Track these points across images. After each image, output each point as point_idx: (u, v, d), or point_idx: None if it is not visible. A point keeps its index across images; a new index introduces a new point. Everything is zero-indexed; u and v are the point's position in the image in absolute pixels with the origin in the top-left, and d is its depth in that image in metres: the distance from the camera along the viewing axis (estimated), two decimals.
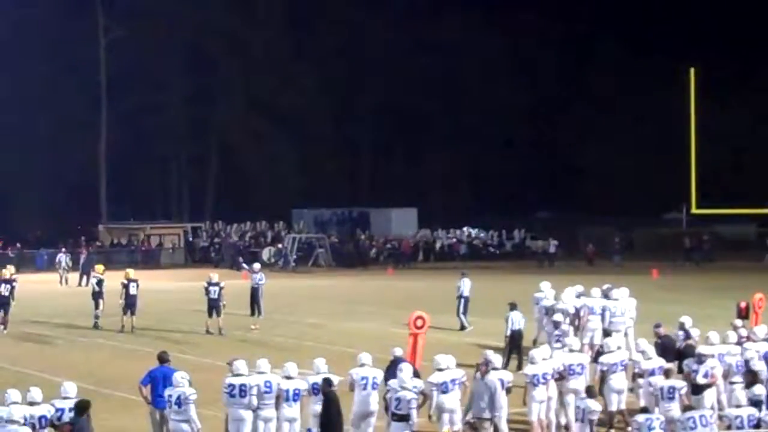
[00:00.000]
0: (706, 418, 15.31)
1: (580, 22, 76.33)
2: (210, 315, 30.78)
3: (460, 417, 17.39)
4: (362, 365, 17.36)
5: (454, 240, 68.08)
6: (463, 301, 31.45)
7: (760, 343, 19.82)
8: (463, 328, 31.12)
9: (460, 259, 62.87)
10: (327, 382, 16.37)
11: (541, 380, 17.85)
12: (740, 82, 72.51)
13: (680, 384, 17.43)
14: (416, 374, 17.25)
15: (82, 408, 14.92)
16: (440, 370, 17.32)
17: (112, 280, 34.37)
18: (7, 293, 31.34)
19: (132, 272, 32.91)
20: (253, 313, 33.99)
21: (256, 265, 36.19)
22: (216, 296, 30.75)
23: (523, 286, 32.35)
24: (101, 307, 32.37)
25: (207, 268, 42.10)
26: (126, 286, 31.54)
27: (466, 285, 31.50)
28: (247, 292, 34.61)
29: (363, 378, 17.13)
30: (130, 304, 31.39)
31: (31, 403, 14.78)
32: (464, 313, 31.40)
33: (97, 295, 32.58)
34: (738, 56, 71.48)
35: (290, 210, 71.09)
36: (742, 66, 71.66)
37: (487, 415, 16.79)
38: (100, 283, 32.79)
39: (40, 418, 14.65)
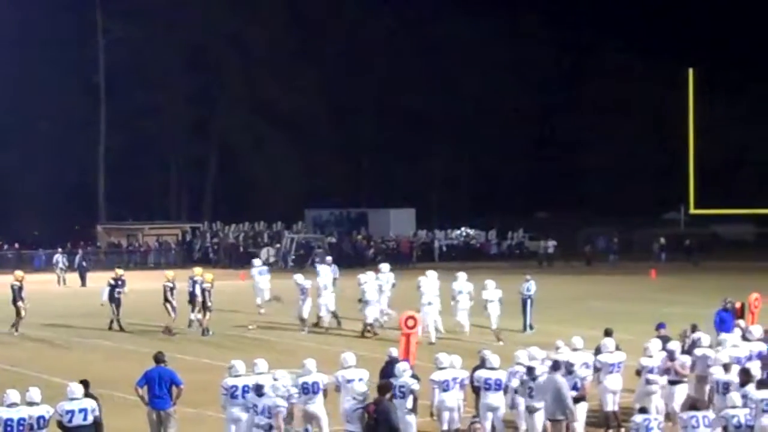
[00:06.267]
0: (709, 418, 15.33)
1: (580, 23, 76.40)
2: (198, 311, 30.83)
3: (458, 416, 17.41)
4: (348, 367, 17.31)
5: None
6: None
7: (755, 343, 19.84)
8: None
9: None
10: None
11: (616, 368, 18.37)
12: (739, 83, 72.54)
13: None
14: (414, 376, 17.25)
15: (385, 388, 15.37)
16: (442, 368, 17.35)
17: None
18: None
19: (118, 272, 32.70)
20: None
21: (329, 259, 36.58)
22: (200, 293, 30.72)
23: (520, 285, 32.28)
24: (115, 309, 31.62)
25: (206, 269, 41.92)
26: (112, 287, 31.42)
27: None
28: (246, 293, 34.55)
29: (349, 380, 17.04)
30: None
31: (30, 404, 14.79)
32: None
33: (117, 300, 31.62)
34: (736, 57, 71.52)
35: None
36: (740, 67, 71.70)
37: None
38: (114, 287, 31.70)
39: (38, 418, 14.66)
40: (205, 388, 20.45)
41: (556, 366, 17.13)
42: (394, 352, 18.68)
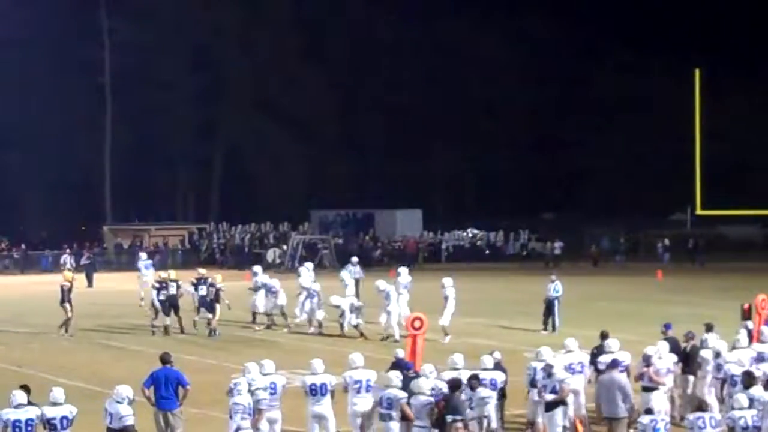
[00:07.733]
0: (716, 419, 15.32)
1: (584, 22, 76.24)
2: (197, 312, 30.75)
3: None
4: (356, 368, 17.22)
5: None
6: None
7: (761, 345, 19.76)
8: None
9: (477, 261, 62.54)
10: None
11: (578, 369, 18.06)
12: (745, 82, 72.44)
13: None
14: (416, 375, 17.25)
15: (455, 386, 16.00)
16: (455, 369, 17.37)
17: (116, 282, 34.30)
18: None
19: (172, 273, 31.97)
20: None
21: (354, 259, 36.56)
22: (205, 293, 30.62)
23: (528, 286, 32.30)
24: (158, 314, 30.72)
25: (212, 270, 42.12)
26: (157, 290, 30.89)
27: None
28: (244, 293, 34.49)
29: (357, 381, 17.01)
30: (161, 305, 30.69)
31: (54, 404, 14.90)
32: None
33: (162, 303, 30.59)
34: (743, 57, 71.43)
35: (307, 211, 70.83)
36: (747, 67, 71.61)
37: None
38: (161, 289, 30.69)
39: (62, 418, 14.77)
40: (212, 389, 20.46)
41: (614, 364, 17.16)
42: (401, 353, 18.68)
